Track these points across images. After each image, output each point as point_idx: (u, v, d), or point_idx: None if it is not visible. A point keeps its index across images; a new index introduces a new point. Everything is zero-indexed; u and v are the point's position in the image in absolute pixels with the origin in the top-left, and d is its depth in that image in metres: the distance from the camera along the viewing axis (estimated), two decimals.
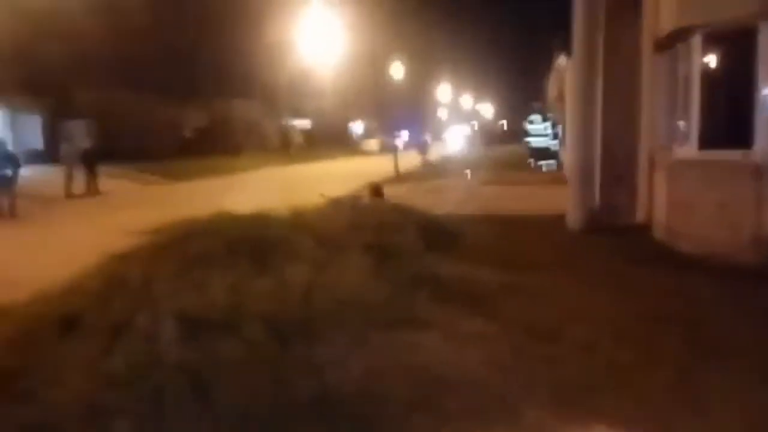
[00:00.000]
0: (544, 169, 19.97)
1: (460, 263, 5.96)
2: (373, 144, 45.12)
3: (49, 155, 25.04)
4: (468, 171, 20.71)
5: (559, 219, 8.68)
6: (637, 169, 8.10)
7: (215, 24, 33.68)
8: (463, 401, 3.35)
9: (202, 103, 35.26)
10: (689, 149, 6.76)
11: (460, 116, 75.63)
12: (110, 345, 3.40)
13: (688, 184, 6.69)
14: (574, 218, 8.26)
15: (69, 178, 17.91)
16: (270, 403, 3.13)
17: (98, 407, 2.93)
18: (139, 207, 14.54)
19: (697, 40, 6.57)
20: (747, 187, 6.12)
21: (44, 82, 26.03)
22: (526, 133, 22.43)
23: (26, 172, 23.60)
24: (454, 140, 58.27)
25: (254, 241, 4.61)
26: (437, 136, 61.04)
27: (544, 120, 21.27)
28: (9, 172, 13.31)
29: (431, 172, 22.53)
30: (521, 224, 9.14)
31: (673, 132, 7.36)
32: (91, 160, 18.36)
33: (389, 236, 5.56)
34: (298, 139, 41.03)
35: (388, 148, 23.20)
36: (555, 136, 20.57)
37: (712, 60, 6.75)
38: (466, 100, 79.63)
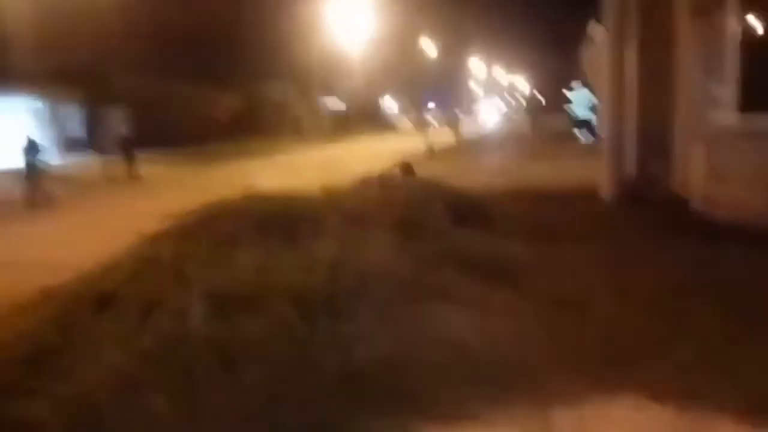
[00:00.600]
0: (582, 140, 19.61)
1: (489, 237, 5.92)
2: (406, 121, 44.91)
3: (89, 143, 25.75)
4: (500, 147, 20.48)
5: (594, 191, 8.53)
6: (673, 138, 7.87)
7: (247, 6, 33.83)
8: (490, 372, 3.36)
9: (237, 87, 35.58)
10: (727, 115, 6.54)
11: (494, 89, 74.54)
12: (143, 322, 3.51)
13: (725, 150, 6.48)
14: (608, 190, 8.11)
15: (109, 164, 18.42)
16: (298, 378, 3.20)
17: (131, 382, 3.04)
18: (176, 191, 14.84)
19: (734, 1, 6.30)
20: None
21: (82, 71, 26.63)
22: (569, 103, 22.13)
23: (67, 159, 24.45)
24: (488, 114, 57.54)
25: (282, 220, 4.67)
26: (471, 111, 60.38)
27: (583, 89, 20.95)
28: (36, 161, 13.77)
29: (464, 148, 22.36)
30: (555, 197, 9.02)
31: (710, 98, 7.12)
32: (129, 147, 18.82)
33: (417, 212, 5.55)
34: (324, 118, 41.02)
35: (422, 125, 23.09)
36: (593, 107, 20.18)
37: (749, 23, 6.47)
38: (500, 73, 78.34)
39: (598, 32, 14.11)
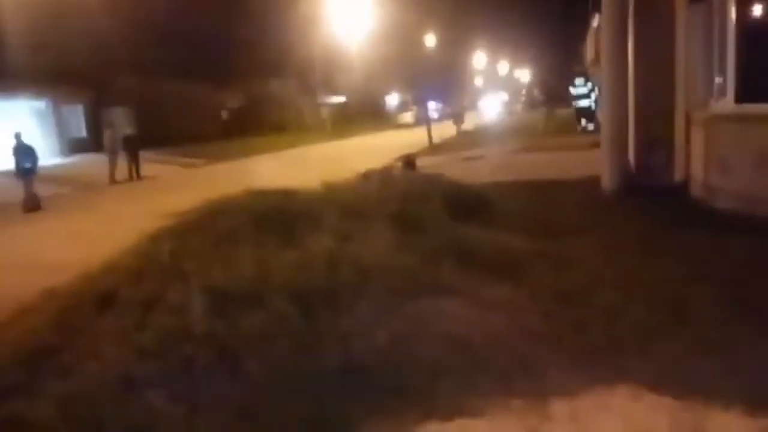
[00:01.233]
0: (583, 126, 19.66)
1: (489, 231, 5.92)
2: (408, 116, 44.82)
3: (92, 143, 25.84)
4: (503, 139, 20.45)
5: (596, 182, 8.50)
6: (673, 127, 7.84)
7: (247, 4, 33.80)
8: (488, 365, 3.37)
9: (239, 84, 35.62)
10: (726, 103, 6.51)
11: (497, 83, 74.30)
12: (143, 319, 3.54)
13: (725, 139, 6.45)
14: (608, 181, 8.08)
15: (112, 164, 18.48)
16: (296, 373, 3.22)
17: (131, 378, 3.07)
18: (179, 190, 14.88)
19: None
20: None
21: (84, 71, 26.72)
22: (573, 96, 22.13)
23: (71, 160, 24.56)
24: (491, 108, 57.35)
25: (281, 216, 4.68)
26: (473, 104, 60.20)
27: (587, 82, 20.93)
28: (28, 164, 13.66)
29: (467, 141, 22.32)
30: (555, 189, 9.00)
31: (709, 86, 7.08)
32: (132, 147, 18.89)
33: (416, 206, 5.55)
34: (327, 115, 40.98)
35: (424, 120, 23.05)
36: (595, 99, 20.16)
37: (749, 9, 6.43)
38: (503, 67, 78.04)
39: (598, 22, 14.05)
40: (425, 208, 5.70)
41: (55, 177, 18.05)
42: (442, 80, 44.92)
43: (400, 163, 11.76)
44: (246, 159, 22.87)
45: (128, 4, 26.90)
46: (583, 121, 20.15)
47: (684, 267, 4.88)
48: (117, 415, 2.92)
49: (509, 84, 79.57)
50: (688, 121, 7.48)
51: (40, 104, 25.96)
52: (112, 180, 18.20)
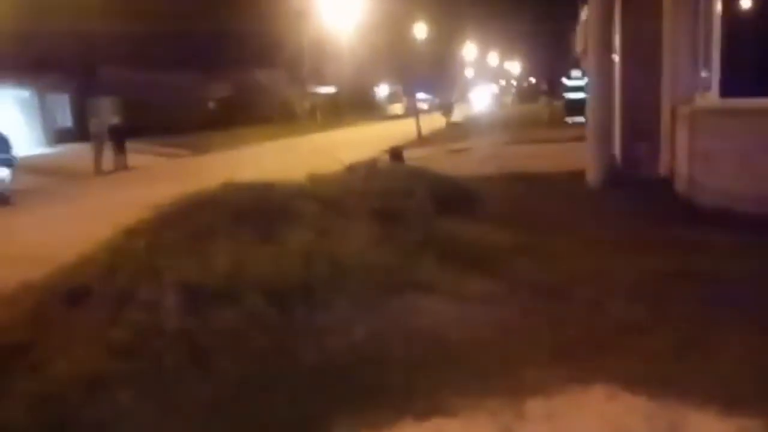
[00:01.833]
0: (569, 122, 19.55)
1: (473, 225, 5.90)
2: (398, 107, 44.72)
3: (77, 133, 25.54)
4: (492, 131, 20.42)
5: (581, 175, 8.49)
6: (659, 121, 7.83)
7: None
8: (466, 363, 3.34)
9: (226, 74, 35.32)
10: (711, 97, 6.50)
11: (488, 75, 74.24)
12: (115, 315, 3.47)
13: (709, 134, 6.44)
14: (593, 174, 8.07)
15: (98, 154, 18.28)
16: (271, 370, 3.18)
17: (102, 377, 3.01)
18: (165, 181, 14.73)
19: None
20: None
21: (70, 60, 26.36)
22: (567, 87, 21.98)
23: (56, 150, 24.26)
24: (481, 99, 57.31)
25: (259, 210, 4.61)
26: (463, 96, 60.11)
27: (584, 75, 20.84)
28: (4, 156, 13.15)
29: (455, 133, 22.29)
30: (541, 182, 8.98)
31: (695, 80, 7.07)
32: (118, 137, 18.68)
33: (399, 200, 5.50)
34: (311, 105, 40.70)
35: (414, 111, 23.02)
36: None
37: (735, 2, 6.41)
38: (493, 58, 77.97)
39: (586, 14, 14.00)
40: (408, 202, 5.66)
41: (38, 167, 17.81)
42: (431, 71, 44.79)
43: (387, 155, 11.71)
44: (233, 150, 22.72)
45: None
46: (572, 117, 19.90)
47: (666, 263, 4.88)
48: (86, 415, 2.86)
49: (499, 76, 79.53)
50: (674, 115, 7.47)
51: (25, 93, 25.58)
52: (98, 170, 18.01)
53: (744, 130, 6.11)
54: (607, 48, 7.88)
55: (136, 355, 3.17)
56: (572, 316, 3.88)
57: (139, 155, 21.15)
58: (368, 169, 8.02)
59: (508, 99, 62.64)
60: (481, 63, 72.39)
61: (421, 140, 19.50)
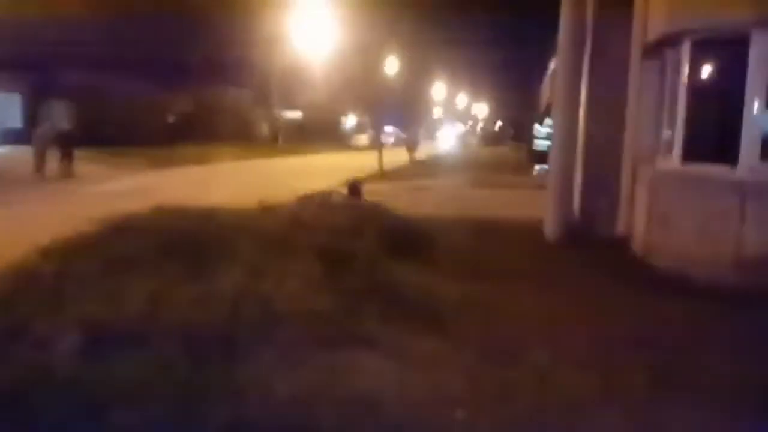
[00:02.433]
0: (534, 172, 19.56)
1: (424, 272, 5.61)
2: (363, 139, 44.70)
3: (28, 135, 24.41)
4: (455, 172, 20.38)
5: (539, 227, 8.33)
6: (620, 179, 7.76)
7: (208, 10, 33.06)
8: None
9: (191, 90, 34.67)
10: (672, 161, 6.43)
11: (455, 115, 75.38)
12: (3, 352, 3.00)
13: (669, 197, 6.36)
14: (551, 227, 7.92)
15: (40, 158, 17.45)
16: (174, 430, 2.75)
17: None
18: (108, 196, 14.05)
19: (686, 47, 6.23)
20: (730, 205, 5.79)
21: (27, 60, 25.40)
22: (534, 136, 22.00)
23: (1, 150, 23.13)
24: (447, 139, 57.92)
25: (192, 241, 4.21)
26: (431, 134, 60.67)
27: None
28: None
29: (418, 170, 22.17)
30: (499, 230, 8.79)
31: (657, 142, 7.03)
32: (66, 142, 17.87)
33: (347, 241, 5.16)
34: (274, 128, 40.28)
35: (379, 144, 22.85)
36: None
37: (701, 69, 6.41)
38: (462, 100, 79.30)
39: (555, 66, 14.18)
40: (357, 244, 5.31)
41: None
42: (400, 106, 45.10)
43: (345, 188, 11.39)
44: (187, 167, 22.06)
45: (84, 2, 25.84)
46: (537, 167, 19.79)
47: (620, 329, 4.68)
48: None
49: (467, 117, 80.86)
50: (634, 174, 7.40)
51: None
52: (37, 175, 17.12)
53: (704, 197, 6.03)
54: (573, 101, 7.82)
55: (18, 404, 2.70)
56: (519, 385, 3.58)
57: (90, 164, 20.31)
58: (321, 202, 7.69)
59: (474, 140, 63.42)
60: (449, 103, 73.48)
61: (383, 175, 19.27)
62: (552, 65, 19.51)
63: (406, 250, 6.28)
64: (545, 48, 20.54)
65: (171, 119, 33.48)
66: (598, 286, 5.78)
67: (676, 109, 6.43)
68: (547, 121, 20.97)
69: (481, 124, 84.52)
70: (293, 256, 4.37)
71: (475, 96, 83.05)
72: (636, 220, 7.17)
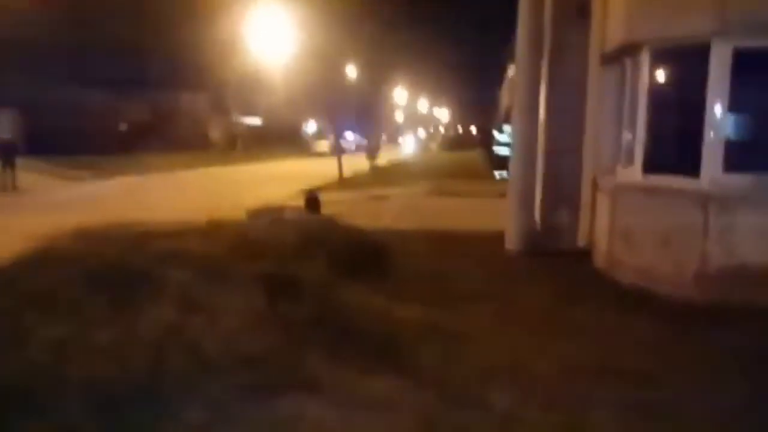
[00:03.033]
0: (497, 177, 19.43)
1: (380, 294, 5.25)
2: (324, 145, 44.11)
3: None
4: (416, 179, 20.11)
5: (501, 238, 8.09)
6: (580, 189, 7.57)
7: (162, 14, 32.13)
8: None
9: (144, 96, 33.64)
10: (633, 173, 6.25)
11: (416, 120, 75.50)
12: None
13: (630, 210, 6.17)
14: (512, 240, 7.69)
15: None
16: None
17: None
18: (50, 208, 13.31)
19: (645, 56, 6.06)
20: (692, 218, 5.62)
21: None
22: (495, 141, 21.87)
23: None
24: (409, 144, 57.85)
25: (119, 272, 3.76)
26: (392, 140, 60.54)
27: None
28: None
29: (378, 178, 21.83)
30: (459, 244, 8.51)
31: (617, 152, 6.85)
32: (6, 154, 17.01)
33: (295, 263, 4.78)
34: (232, 135, 39.47)
35: (338, 151, 22.44)
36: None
37: (660, 78, 6.25)
38: (423, 104, 79.49)
39: (513, 73, 14.04)
40: (307, 267, 4.93)
41: None
42: (362, 112, 44.79)
43: (302, 198, 10.98)
44: (137, 176, 21.29)
45: (33, 4, 24.73)
46: (497, 173, 19.73)
47: (584, 356, 4.41)
48: None
49: (428, 122, 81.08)
50: (595, 185, 7.22)
51: None
52: None
53: (666, 210, 5.86)
54: (532, 110, 7.60)
55: None
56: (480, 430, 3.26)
57: (35, 175, 19.41)
58: (272, 218, 7.27)
59: (435, 145, 63.48)
60: (410, 108, 73.52)
61: (342, 183, 18.90)
62: (510, 71, 19.46)
63: (362, 270, 5.94)
64: (506, 53, 20.51)
65: (123, 127, 32.38)
66: (561, 307, 5.52)
67: (636, 118, 6.26)
68: (506, 127, 20.92)
69: (442, 129, 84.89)
70: (234, 285, 3.97)
71: (437, 100, 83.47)
72: (598, 232, 6.98)
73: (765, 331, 4.96)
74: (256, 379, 3.11)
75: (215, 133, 38.77)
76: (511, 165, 7.88)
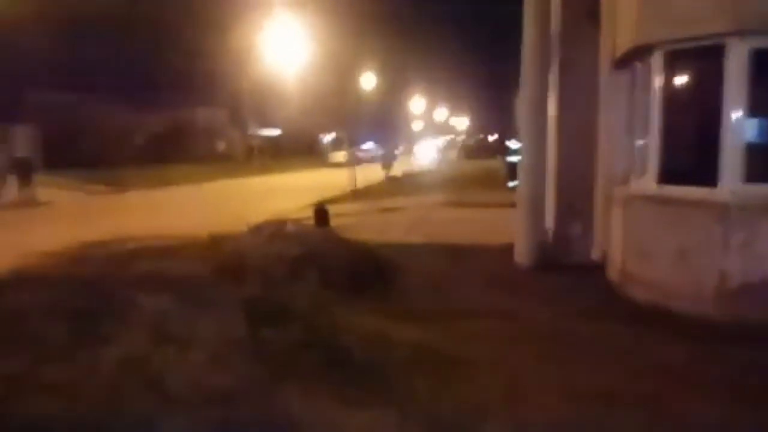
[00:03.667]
0: (509, 187, 19.02)
1: (376, 316, 5.01)
2: (340, 156, 43.94)
3: None
4: (430, 190, 19.82)
5: (511, 251, 7.78)
6: (593, 201, 7.25)
7: (179, 29, 32.43)
8: None
9: (162, 110, 33.92)
10: (647, 183, 5.91)
11: (434, 129, 75.17)
12: None
13: (645, 223, 5.84)
14: (522, 254, 7.37)
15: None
16: None
17: None
18: (69, 221, 13.34)
19: (657, 60, 5.74)
20: (710, 231, 5.28)
21: None
22: (508, 150, 21.46)
23: None
24: (426, 153, 57.46)
25: (92, 296, 3.57)
26: (409, 149, 60.22)
27: None
28: None
29: (392, 189, 21.56)
30: (469, 258, 8.20)
31: (630, 162, 6.52)
32: (22, 170, 17.22)
33: (286, 283, 4.56)
34: (248, 147, 39.54)
35: (354, 162, 22.26)
36: None
37: (674, 82, 5.92)
38: (441, 113, 79.15)
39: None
40: (299, 287, 4.72)
41: None
42: (379, 122, 44.66)
43: (312, 211, 10.81)
44: (155, 190, 21.35)
45: (52, 19, 25.09)
46: (511, 183, 19.29)
47: (594, 381, 4.08)
48: None
49: (447, 130, 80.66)
50: (608, 197, 6.88)
51: None
52: None
53: (682, 222, 5.51)
54: (540, 120, 7.31)
55: None
56: None
57: (53, 189, 19.62)
58: (273, 233, 7.08)
59: (453, 154, 63.03)
60: (428, 117, 73.24)
61: (355, 194, 18.66)
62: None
63: (363, 287, 5.73)
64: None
65: (140, 140, 32.67)
66: (571, 327, 5.20)
67: (649, 126, 5.93)
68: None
69: (461, 137, 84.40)
70: (213, 311, 3.75)
71: (456, 109, 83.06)
72: (611, 246, 6.64)
73: None
74: (224, 417, 2.87)
75: (232, 146, 38.90)
76: (521, 175, 7.58)
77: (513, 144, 20.79)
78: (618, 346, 4.79)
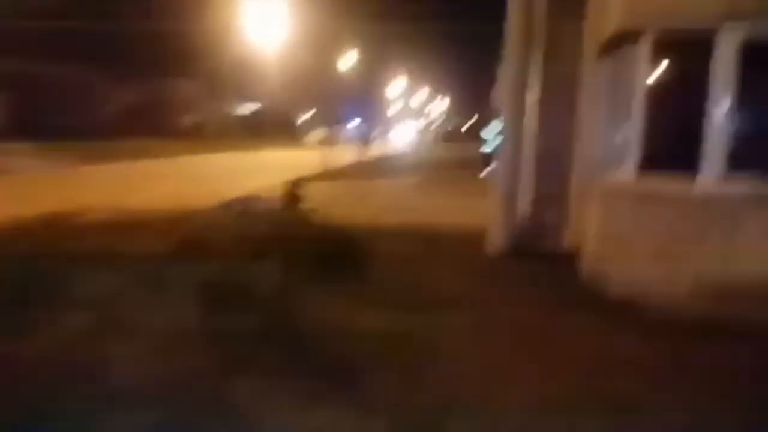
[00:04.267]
0: (483, 173, 18.90)
1: (344, 301, 4.80)
2: (316, 135, 43.52)
3: None
4: (405, 172, 19.60)
5: (484, 236, 7.62)
6: (570, 189, 7.10)
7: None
8: None
9: (138, 81, 32.97)
10: (626, 172, 5.75)
11: (414, 111, 74.70)
12: None
13: (622, 213, 5.68)
14: (496, 240, 7.21)
15: None
16: None
17: None
18: (29, 191, 12.81)
19: (644, 46, 5.55)
20: (690, 223, 5.16)
21: None
22: (483, 140, 21.27)
23: None
24: (404, 135, 57.18)
25: (34, 275, 3.28)
26: (387, 131, 59.83)
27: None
28: None
29: (367, 170, 21.28)
30: (441, 241, 8.04)
31: (610, 151, 6.36)
32: None
33: (250, 264, 4.31)
34: (233, 123, 38.82)
35: (331, 141, 21.91)
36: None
37: (659, 69, 5.75)
38: (421, 96, 78.61)
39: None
40: (264, 269, 4.47)
41: None
42: (357, 103, 44.11)
43: (284, 190, 10.51)
44: (122, 162, 20.75)
45: None
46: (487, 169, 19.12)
47: (565, 378, 3.93)
48: None
49: (426, 113, 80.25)
50: (585, 185, 6.73)
51: None
52: None
53: (661, 213, 5.38)
54: (521, 105, 7.12)
55: None
56: None
57: (18, 158, 18.96)
58: (242, 210, 6.81)
59: (432, 137, 62.77)
60: (408, 98, 72.65)
61: (329, 174, 18.36)
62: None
63: (331, 270, 5.50)
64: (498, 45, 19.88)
65: (111, 111, 31.74)
66: (547, 314, 5.06)
67: (631, 113, 5.76)
68: (494, 124, 20.31)
69: (440, 121, 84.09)
70: (167, 293, 3.49)
71: (436, 92, 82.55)
72: (587, 236, 6.50)
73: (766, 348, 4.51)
74: (170, 413, 2.63)
75: (211, 121, 38.09)
76: (500, 161, 7.39)
77: (486, 134, 20.63)
78: (588, 342, 4.59)
